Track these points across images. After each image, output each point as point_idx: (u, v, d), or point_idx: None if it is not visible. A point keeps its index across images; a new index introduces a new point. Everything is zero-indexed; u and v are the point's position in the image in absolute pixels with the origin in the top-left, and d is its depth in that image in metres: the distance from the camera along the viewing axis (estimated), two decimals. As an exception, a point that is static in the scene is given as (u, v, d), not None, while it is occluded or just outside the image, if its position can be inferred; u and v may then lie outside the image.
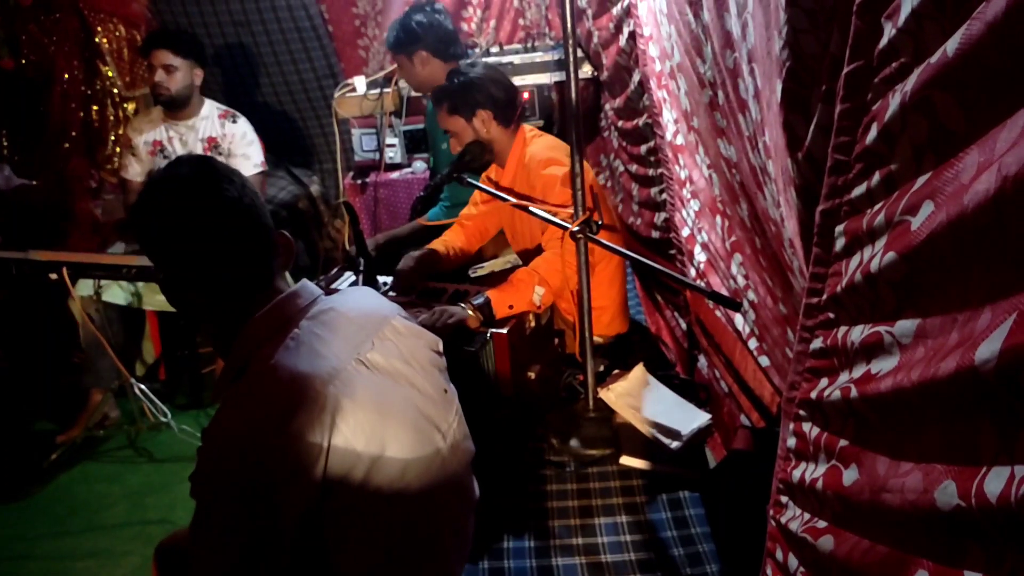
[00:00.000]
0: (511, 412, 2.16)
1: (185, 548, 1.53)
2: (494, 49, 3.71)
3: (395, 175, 3.77)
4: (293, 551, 1.10)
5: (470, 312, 2.09)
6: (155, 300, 3.10)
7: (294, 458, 1.07)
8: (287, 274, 1.33)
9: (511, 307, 2.15)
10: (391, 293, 2.37)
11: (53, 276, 2.65)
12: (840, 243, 0.97)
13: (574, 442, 2.09)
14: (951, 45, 0.67)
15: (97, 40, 3.82)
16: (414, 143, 3.78)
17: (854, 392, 0.93)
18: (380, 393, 1.21)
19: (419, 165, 3.73)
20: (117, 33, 3.89)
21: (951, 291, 0.75)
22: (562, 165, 2.27)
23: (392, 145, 3.78)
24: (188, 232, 1.17)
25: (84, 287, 2.92)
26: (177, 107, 3.22)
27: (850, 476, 0.96)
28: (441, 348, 1.44)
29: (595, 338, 2.31)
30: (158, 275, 1.25)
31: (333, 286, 2.36)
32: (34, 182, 3.70)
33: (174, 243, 1.18)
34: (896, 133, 0.80)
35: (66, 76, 3.77)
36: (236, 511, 1.07)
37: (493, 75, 2.44)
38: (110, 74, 3.90)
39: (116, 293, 3.02)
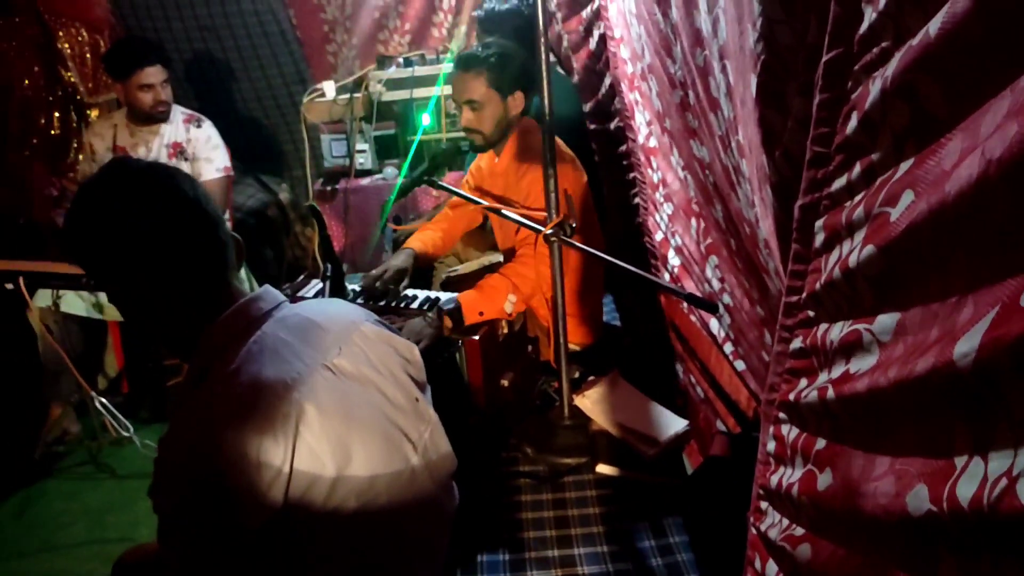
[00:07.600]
0: (483, 421, 2.11)
1: (145, 564, 1.46)
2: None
3: (365, 181, 3.72)
4: (260, 559, 1.05)
5: (438, 325, 2.05)
6: (117, 311, 3.02)
7: (255, 466, 1.01)
8: (252, 279, 1.28)
9: (481, 314, 2.10)
10: (359, 301, 2.32)
11: (9, 286, 2.56)
12: (820, 238, 0.93)
13: (549, 451, 2.05)
14: (934, 25, 0.65)
15: (59, 46, 3.74)
16: (385, 149, 3.73)
17: (831, 393, 0.90)
18: (347, 400, 1.16)
19: (390, 171, 3.68)
20: (80, 38, 3.81)
21: (931, 284, 0.72)
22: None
23: (363, 151, 3.72)
24: (131, 229, 1.10)
25: (42, 298, 2.83)
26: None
27: (824, 481, 0.93)
28: (415, 355, 1.39)
29: (571, 345, 2.27)
30: (109, 288, 1.20)
31: (299, 294, 2.30)
32: (-7, 191, 3.61)
33: (119, 245, 1.11)
34: (877, 121, 0.77)
35: (26, 82, 3.68)
36: (198, 522, 1.02)
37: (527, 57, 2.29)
38: (72, 80, 3.81)
39: (75, 304, 2.93)
